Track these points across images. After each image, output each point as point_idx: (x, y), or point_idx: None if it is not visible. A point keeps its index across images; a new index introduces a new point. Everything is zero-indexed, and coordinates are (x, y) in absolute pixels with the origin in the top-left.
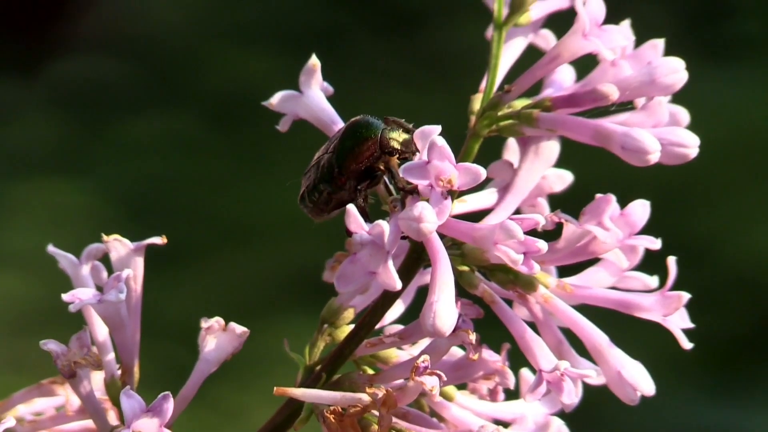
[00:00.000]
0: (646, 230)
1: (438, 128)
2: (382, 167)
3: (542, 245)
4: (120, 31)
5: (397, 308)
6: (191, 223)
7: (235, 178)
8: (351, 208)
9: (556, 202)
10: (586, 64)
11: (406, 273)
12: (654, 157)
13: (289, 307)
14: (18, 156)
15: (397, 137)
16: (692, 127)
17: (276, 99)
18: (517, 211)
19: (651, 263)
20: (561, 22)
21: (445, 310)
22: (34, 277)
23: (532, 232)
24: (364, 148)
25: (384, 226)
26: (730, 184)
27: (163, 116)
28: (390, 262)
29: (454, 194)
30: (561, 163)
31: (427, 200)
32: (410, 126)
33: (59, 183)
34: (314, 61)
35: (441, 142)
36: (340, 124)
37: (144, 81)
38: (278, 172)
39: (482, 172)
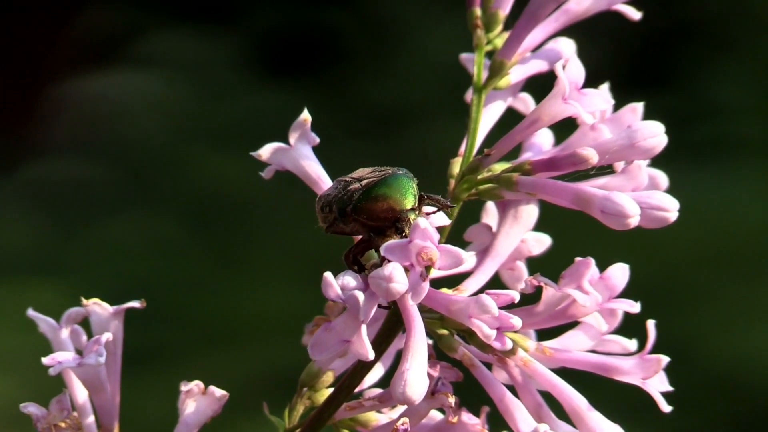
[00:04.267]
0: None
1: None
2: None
3: (516, 322)
4: (95, 133)
5: (377, 371)
6: (169, 325)
7: (214, 279)
8: (328, 276)
9: (534, 264)
10: (564, 125)
11: (385, 336)
12: (634, 221)
13: (270, 408)
14: None
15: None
16: (673, 227)
17: (265, 151)
18: (496, 275)
19: (630, 327)
20: (539, 85)
21: (416, 378)
22: (12, 376)
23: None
24: (385, 208)
25: (359, 295)
26: (708, 285)
27: (140, 218)
28: (363, 332)
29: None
30: (539, 225)
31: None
32: (447, 202)
33: (36, 284)
34: (305, 115)
35: (424, 224)
36: (326, 180)
37: (121, 182)
38: (257, 274)
39: (464, 257)
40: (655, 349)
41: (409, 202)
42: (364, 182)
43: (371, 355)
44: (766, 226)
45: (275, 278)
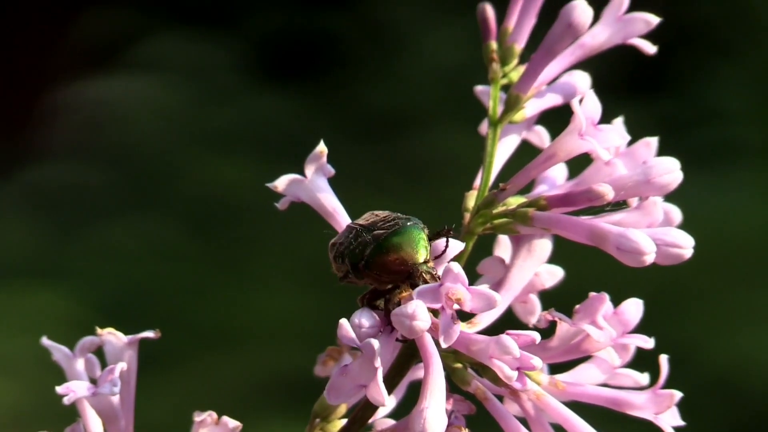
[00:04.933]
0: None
1: (455, 266)
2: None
3: (537, 362)
4: (95, 137)
5: (389, 402)
6: (169, 329)
7: (213, 284)
8: (343, 322)
9: (546, 298)
10: (577, 160)
11: (399, 369)
12: (649, 258)
13: (268, 413)
14: None
15: (427, 278)
16: None
17: (281, 182)
18: (509, 309)
19: (641, 361)
20: (553, 116)
21: (434, 416)
22: (11, 379)
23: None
24: (398, 263)
25: (374, 344)
26: (708, 289)
27: (139, 222)
28: (380, 378)
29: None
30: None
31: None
32: (449, 229)
33: (35, 288)
34: (321, 147)
35: (457, 269)
36: (341, 212)
37: (120, 186)
38: (256, 278)
39: (498, 300)
40: (654, 352)
41: (421, 255)
42: (374, 234)
43: (387, 401)
44: (764, 231)
45: (274, 282)
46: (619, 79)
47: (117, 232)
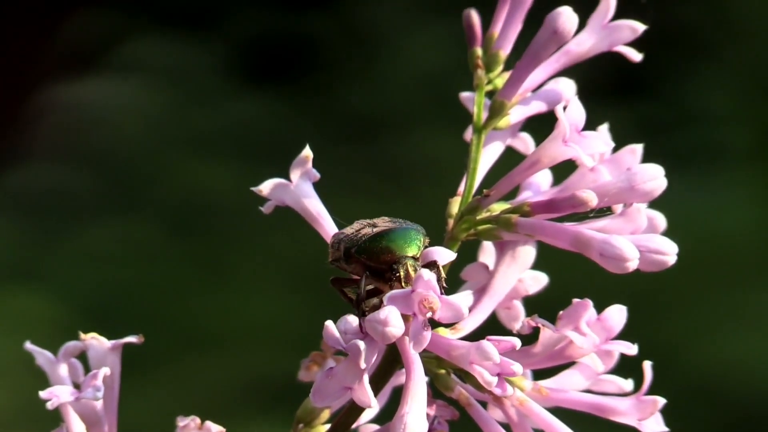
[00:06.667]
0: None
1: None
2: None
3: (517, 368)
4: (76, 140)
5: (375, 405)
6: (151, 331)
7: (195, 286)
8: (329, 324)
9: (530, 304)
10: (562, 166)
11: (382, 375)
12: (632, 265)
13: (251, 416)
14: None
15: (411, 271)
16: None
17: (266, 187)
18: (493, 314)
19: (625, 367)
20: (537, 122)
21: (415, 421)
22: None
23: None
24: (386, 251)
25: (360, 345)
26: (691, 292)
27: (122, 224)
28: (365, 380)
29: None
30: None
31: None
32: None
33: (17, 291)
34: (307, 152)
35: (428, 276)
36: (326, 217)
37: (102, 189)
38: (238, 280)
39: (465, 312)
40: (638, 357)
41: (411, 250)
42: (378, 228)
43: (373, 403)
44: (748, 233)
45: (256, 285)
46: (602, 81)
47: (99, 235)
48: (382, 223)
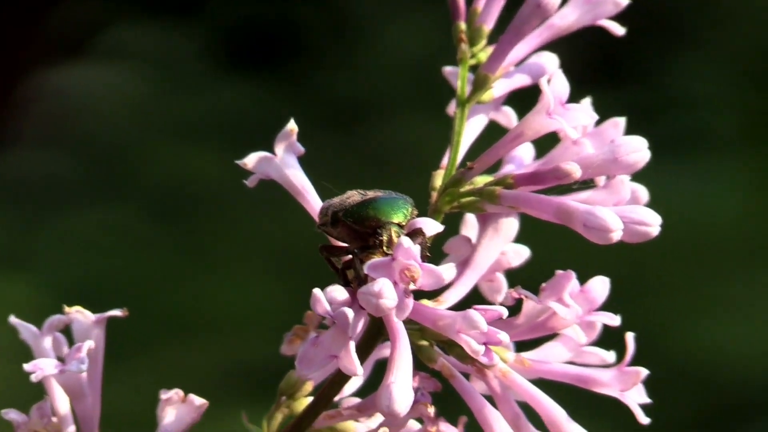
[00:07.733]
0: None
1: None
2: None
3: (503, 337)
4: (60, 126)
5: (356, 381)
6: (136, 317)
7: (180, 272)
8: (317, 292)
9: (512, 277)
10: (544, 137)
11: (366, 348)
12: (616, 235)
13: (234, 401)
14: None
15: (394, 237)
16: None
17: (251, 159)
18: (475, 287)
19: (608, 339)
20: (520, 97)
21: (401, 391)
22: None
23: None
24: (372, 216)
25: (348, 313)
26: (677, 278)
27: (107, 211)
28: (352, 348)
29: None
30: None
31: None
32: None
33: (2, 278)
34: (292, 126)
35: (407, 243)
36: (310, 190)
37: (87, 176)
38: (223, 267)
39: (446, 277)
40: (621, 332)
41: (397, 218)
42: (367, 196)
43: (360, 371)
44: (734, 219)
45: (241, 271)
46: (586, 67)
47: (84, 221)
48: (374, 193)
